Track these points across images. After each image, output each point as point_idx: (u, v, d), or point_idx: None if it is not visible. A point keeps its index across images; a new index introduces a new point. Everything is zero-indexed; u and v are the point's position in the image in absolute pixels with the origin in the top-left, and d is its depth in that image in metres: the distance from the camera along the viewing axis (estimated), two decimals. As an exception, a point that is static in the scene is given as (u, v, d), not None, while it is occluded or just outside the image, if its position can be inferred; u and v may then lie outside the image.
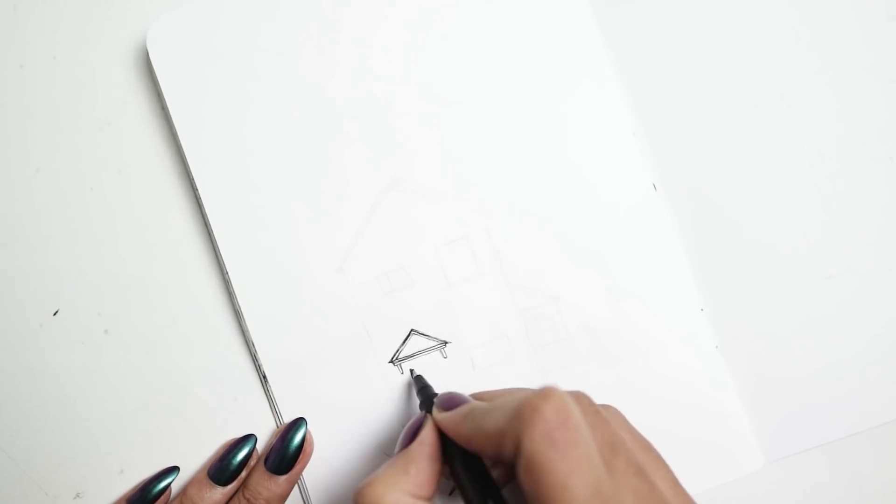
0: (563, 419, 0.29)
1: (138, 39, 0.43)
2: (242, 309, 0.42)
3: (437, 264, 0.43)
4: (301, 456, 0.41)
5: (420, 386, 0.41)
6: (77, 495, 0.42)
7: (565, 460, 0.28)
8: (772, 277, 0.44)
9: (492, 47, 0.43)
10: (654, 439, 0.43)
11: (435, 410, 0.36)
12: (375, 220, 0.43)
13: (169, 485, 0.42)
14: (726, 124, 0.44)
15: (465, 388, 0.43)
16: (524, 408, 0.30)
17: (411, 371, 0.43)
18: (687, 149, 0.44)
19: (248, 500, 0.40)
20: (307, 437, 0.41)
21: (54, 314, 0.43)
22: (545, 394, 0.30)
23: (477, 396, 0.38)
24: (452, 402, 0.36)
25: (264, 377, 0.42)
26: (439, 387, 0.43)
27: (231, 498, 0.41)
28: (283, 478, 0.40)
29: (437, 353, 0.43)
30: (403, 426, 0.39)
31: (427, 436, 0.35)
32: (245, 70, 0.42)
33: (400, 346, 0.42)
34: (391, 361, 0.42)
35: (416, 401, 0.42)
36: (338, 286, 0.42)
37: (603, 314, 0.43)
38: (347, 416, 0.42)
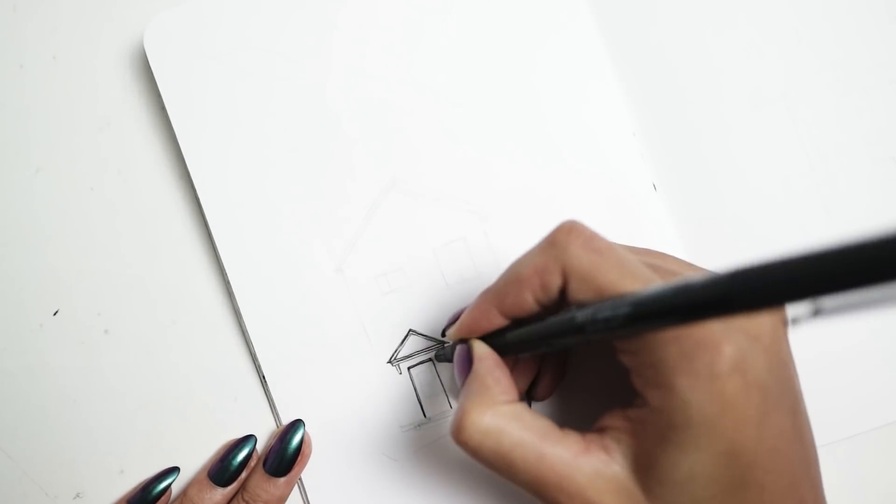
0: (591, 232, 0.31)
1: (138, 39, 0.43)
2: (241, 309, 0.42)
3: (435, 265, 0.43)
4: (299, 458, 0.41)
5: (441, 350, 0.41)
6: (77, 495, 0.42)
7: (610, 258, 0.30)
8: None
9: (491, 48, 0.43)
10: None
11: (454, 330, 0.36)
12: (374, 221, 0.43)
13: (169, 485, 0.42)
14: (726, 125, 0.44)
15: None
16: (556, 234, 0.31)
17: (435, 353, 0.43)
18: (687, 149, 0.44)
19: (247, 502, 0.40)
20: (305, 438, 0.41)
21: (54, 314, 0.43)
22: (569, 221, 0.32)
23: (454, 315, 0.39)
24: (459, 313, 0.37)
25: (263, 377, 0.42)
26: (438, 387, 0.43)
27: (231, 499, 0.41)
28: (281, 480, 0.40)
29: (435, 354, 0.43)
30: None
31: (478, 350, 0.35)
32: (243, 70, 0.42)
33: (398, 347, 0.42)
34: (389, 362, 0.42)
35: (415, 401, 0.42)
36: (336, 287, 0.42)
37: (602, 314, 0.43)
38: (346, 417, 0.42)
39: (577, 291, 0.30)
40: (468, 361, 0.35)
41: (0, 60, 0.44)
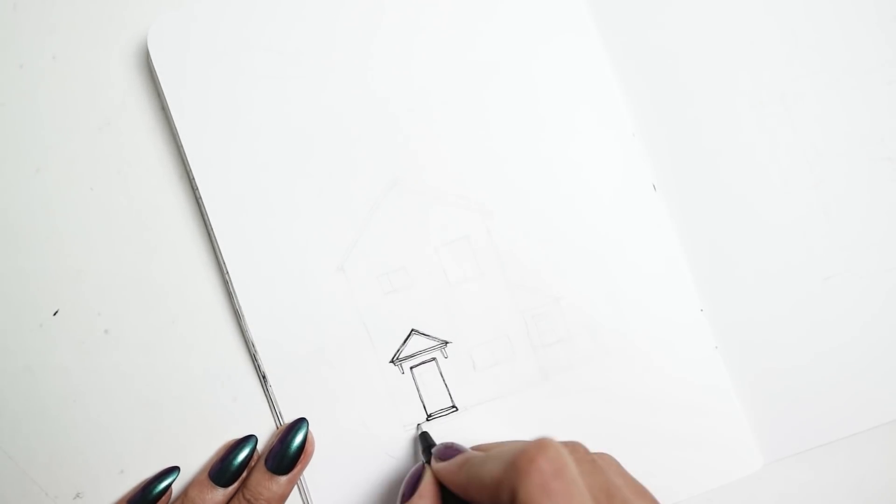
0: (557, 470, 0.30)
1: (138, 39, 0.43)
2: (242, 308, 0.42)
3: (437, 264, 0.43)
4: (302, 456, 0.41)
5: (425, 444, 0.41)
6: (77, 495, 0.42)
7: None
8: (771, 278, 0.44)
9: (492, 48, 0.43)
10: (652, 440, 0.43)
11: (433, 460, 0.37)
12: (376, 220, 0.43)
13: (170, 485, 0.41)
14: (726, 125, 0.44)
15: (466, 388, 0.43)
16: (520, 458, 0.30)
17: (418, 426, 0.43)
18: (687, 149, 0.44)
19: (248, 500, 0.40)
20: (308, 437, 0.41)
21: (54, 314, 0.43)
22: (540, 444, 0.31)
23: (476, 448, 0.39)
24: (449, 452, 0.38)
25: (264, 377, 0.42)
26: (440, 387, 0.43)
27: (231, 498, 0.41)
28: (283, 478, 0.40)
29: (437, 353, 0.43)
30: (403, 470, 0.42)
31: (426, 488, 0.36)
32: (246, 70, 0.42)
33: (401, 346, 0.42)
34: (392, 361, 0.42)
35: (417, 400, 0.42)
36: (338, 286, 0.42)
37: (603, 314, 0.43)
38: (348, 416, 0.42)
39: None
40: (412, 487, 0.37)
41: (0, 60, 0.44)
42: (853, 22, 0.44)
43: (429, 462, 0.38)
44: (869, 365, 0.43)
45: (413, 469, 0.38)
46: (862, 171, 0.44)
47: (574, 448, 0.34)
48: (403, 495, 0.37)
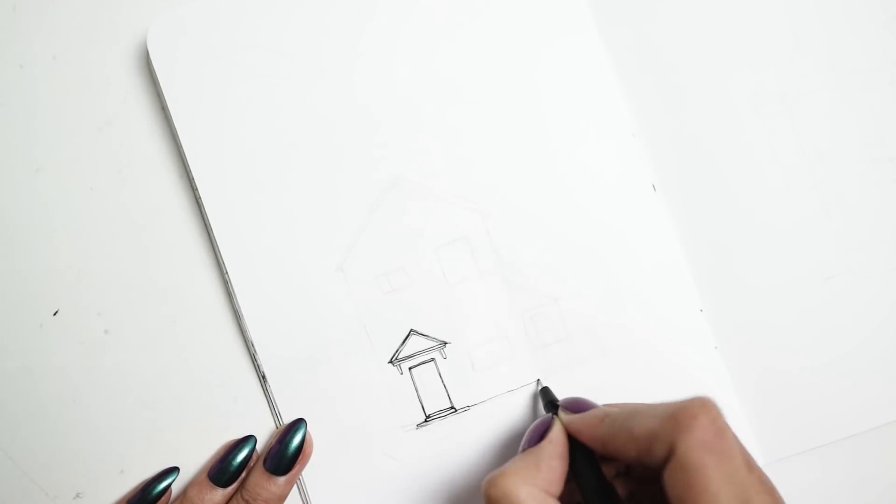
0: (719, 429, 0.30)
1: (138, 39, 0.43)
2: (242, 309, 0.42)
3: (436, 264, 0.43)
4: (300, 457, 0.41)
5: (546, 399, 0.41)
6: (77, 495, 0.42)
7: (720, 468, 0.29)
8: (771, 278, 0.44)
9: (492, 48, 0.43)
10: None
11: (562, 413, 0.37)
12: (375, 220, 0.43)
13: (169, 485, 0.42)
14: (726, 126, 0.44)
15: (465, 388, 0.43)
16: (682, 413, 0.31)
17: (538, 382, 0.43)
18: (687, 150, 0.44)
19: (246, 500, 0.40)
20: (307, 437, 0.41)
21: (54, 314, 0.43)
22: (703, 403, 0.31)
23: (609, 406, 0.38)
24: (581, 405, 0.37)
25: (263, 377, 0.42)
26: (439, 387, 0.43)
27: (230, 499, 0.41)
28: (282, 478, 0.40)
29: (436, 354, 0.43)
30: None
31: (557, 435, 0.35)
32: (245, 69, 0.42)
33: (399, 347, 0.42)
34: (391, 362, 0.42)
35: (416, 401, 0.42)
36: (337, 286, 0.42)
37: (603, 315, 0.43)
38: (347, 417, 0.42)
39: (671, 480, 0.30)
40: (540, 435, 0.36)
41: (0, 60, 0.44)
42: (855, 22, 0.44)
43: (555, 413, 0.38)
44: (870, 365, 0.43)
45: (539, 420, 0.37)
46: (863, 171, 0.43)
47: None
48: (530, 440, 0.36)
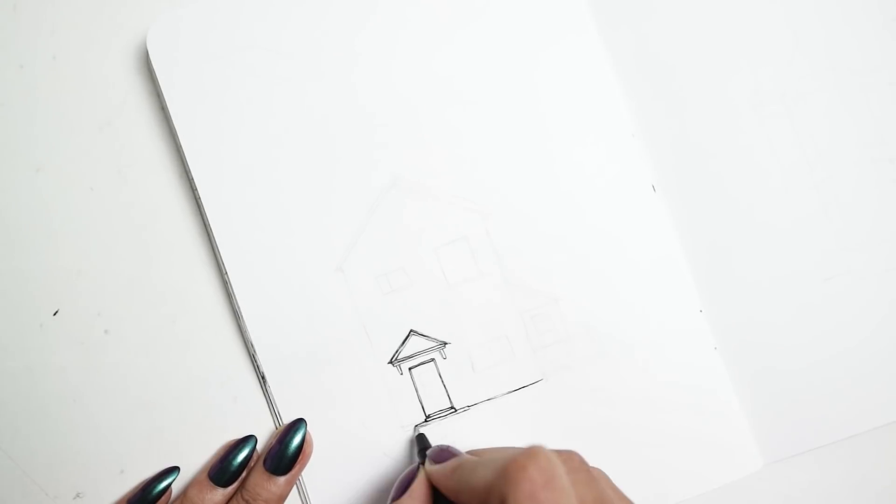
0: (547, 479, 0.30)
1: (138, 39, 0.43)
2: (241, 309, 0.42)
3: (436, 264, 0.43)
4: (300, 457, 0.41)
5: (420, 446, 0.42)
6: (77, 495, 0.42)
7: None
8: (771, 279, 0.44)
9: (492, 49, 0.43)
10: (652, 441, 0.43)
11: (427, 462, 0.38)
12: (375, 220, 0.43)
13: (170, 485, 0.42)
14: (726, 126, 0.44)
15: (465, 389, 0.43)
16: (510, 466, 0.30)
17: (415, 428, 0.43)
18: (687, 150, 0.44)
19: (246, 501, 0.40)
20: (307, 437, 0.41)
21: (54, 314, 0.43)
22: (531, 453, 0.31)
23: (471, 452, 0.39)
24: (444, 455, 0.38)
25: (263, 378, 0.42)
26: (439, 387, 0.43)
27: (230, 499, 0.41)
28: (282, 479, 0.40)
29: (436, 354, 0.43)
30: (401, 471, 0.41)
31: (417, 489, 0.36)
32: (244, 69, 0.42)
33: (399, 347, 0.42)
34: (390, 362, 0.42)
35: (416, 401, 0.42)
36: (337, 286, 0.42)
37: (602, 315, 0.43)
38: (346, 417, 0.42)
39: None
40: (405, 487, 0.37)
41: (0, 60, 0.44)
42: (854, 22, 0.44)
43: (423, 464, 0.38)
44: (869, 366, 0.43)
45: (407, 470, 0.38)
46: (863, 172, 0.43)
47: (569, 457, 0.34)
48: (394, 496, 0.37)
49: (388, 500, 0.37)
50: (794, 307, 0.43)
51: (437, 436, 0.42)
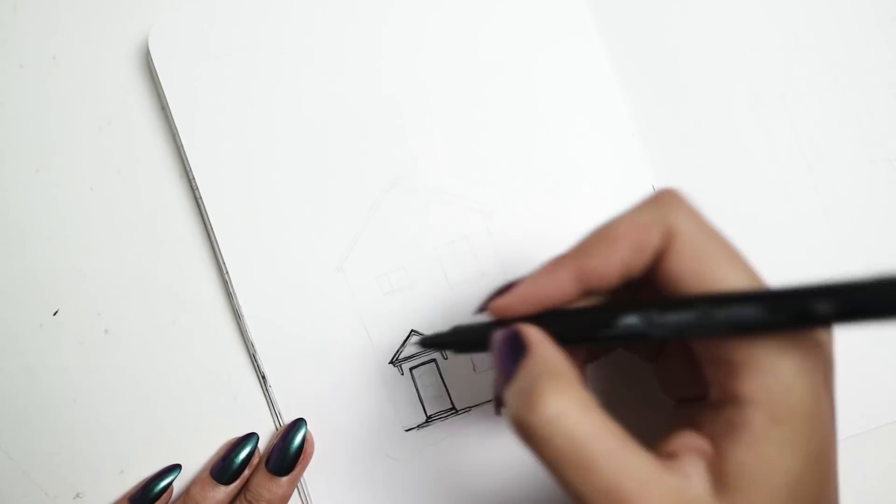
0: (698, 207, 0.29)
1: (139, 39, 0.43)
2: (242, 309, 0.42)
3: (437, 264, 0.43)
4: (301, 457, 0.41)
5: (439, 341, 0.35)
6: (77, 495, 0.42)
7: (721, 240, 0.28)
8: (769, 279, 0.44)
9: (492, 48, 0.43)
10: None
11: (505, 299, 0.30)
12: (376, 220, 0.43)
13: (171, 483, 0.42)
14: (725, 126, 0.44)
15: (465, 390, 0.43)
16: (662, 194, 0.29)
17: (410, 332, 0.41)
18: (686, 150, 0.44)
19: (249, 501, 0.40)
20: (307, 437, 0.41)
21: (54, 314, 0.43)
22: (669, 188, 0.29)
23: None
24: (506, 286, 0.31)
25: (263, 377, 0.42)
26: (440, 388, 0.43)
27: (234, 499, 0.41)
28: (284, 479, 0.40)
29: (437, 354, 0.43)
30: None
31: (533, 333, 0.28)
32: (245, 69, 0.42)
33: (400, 347, 0.42)
34: (391, 362, 0.42)
35: (417, 402, 0.42)
36: (338, 286, 0.42)
37: (603, 315, 0.43)
38: (347, 417, 0.42)
39: (679, 258, 0.27)
40: (517, 348, 0.28)
41: (0, 60, 0.44)
42: (854, 23, 0.44)
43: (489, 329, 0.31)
44: (868, 366, 0.43)
45: (499, 334, 0.30)
46: (862, 173, 0.43)
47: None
48: (508, 358, 0.28)
49: (503, 378, 0.28)
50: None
51: (437, 437, 0.42)
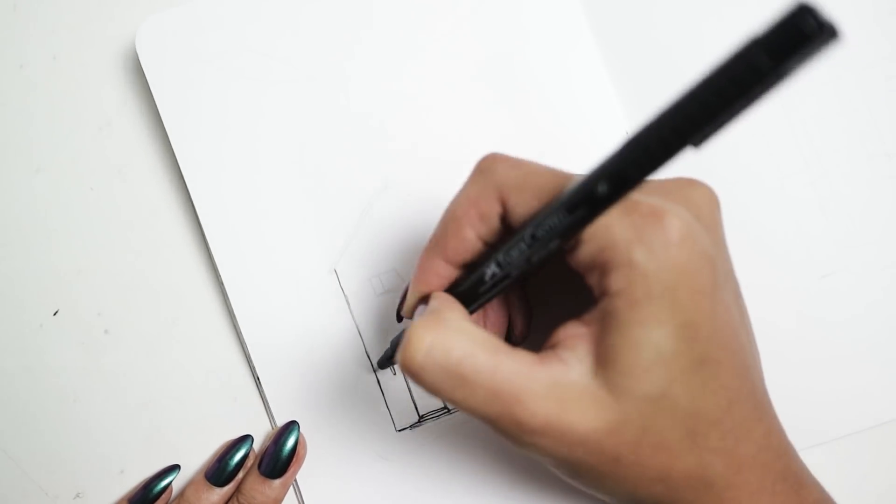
0: (514, 157, 0.33)
1: (138, 40, 0.44)
2: (235, 310, 0.42)
3: (429, 266, 0.43)
4: (294, 459, 0.41)
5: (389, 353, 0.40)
6: (77, 495, 0.42)
7: (540, 169, 0.32)
8: (767, 276, 0.43)
9: (486, 50, 0.43)
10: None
11: (407, 301, 0.35)
12: (367, 222, 0.42)
13: (170, 483, 0.42)
14: (723, 122, 0.43)
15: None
16: (481, 163, 0.33)
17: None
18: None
19: (242, 504, 0.40)
20: (300, 440, 0.41)
21: (54, 314, 0.43)
22: (486, 154, 0.34)
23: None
24: (405, 291, 0.37)
25: (258, 379, 0.42)
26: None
27: (228, 500, 0.41)
28: (277, 482, 0.40)
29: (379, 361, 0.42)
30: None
31: (436, 295, 0.33)
32: (236, 72, 0.42)
33: (390, 348, 0.42)
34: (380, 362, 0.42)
35: (409, 402, 0.42)
36: (330, 288, 0.42)
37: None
38: (340, 418, 0.42)
39: (517, 206, 0.30)
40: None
41: (0, 60, 0.44)
42: (851, 17, 0.43)
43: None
44: (867, 364, 0.43)
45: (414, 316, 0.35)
46: (860, 167, 0.43)
47: None
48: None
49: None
50: (791, 304, 0.43)
51: (430, 436, 0.42)
